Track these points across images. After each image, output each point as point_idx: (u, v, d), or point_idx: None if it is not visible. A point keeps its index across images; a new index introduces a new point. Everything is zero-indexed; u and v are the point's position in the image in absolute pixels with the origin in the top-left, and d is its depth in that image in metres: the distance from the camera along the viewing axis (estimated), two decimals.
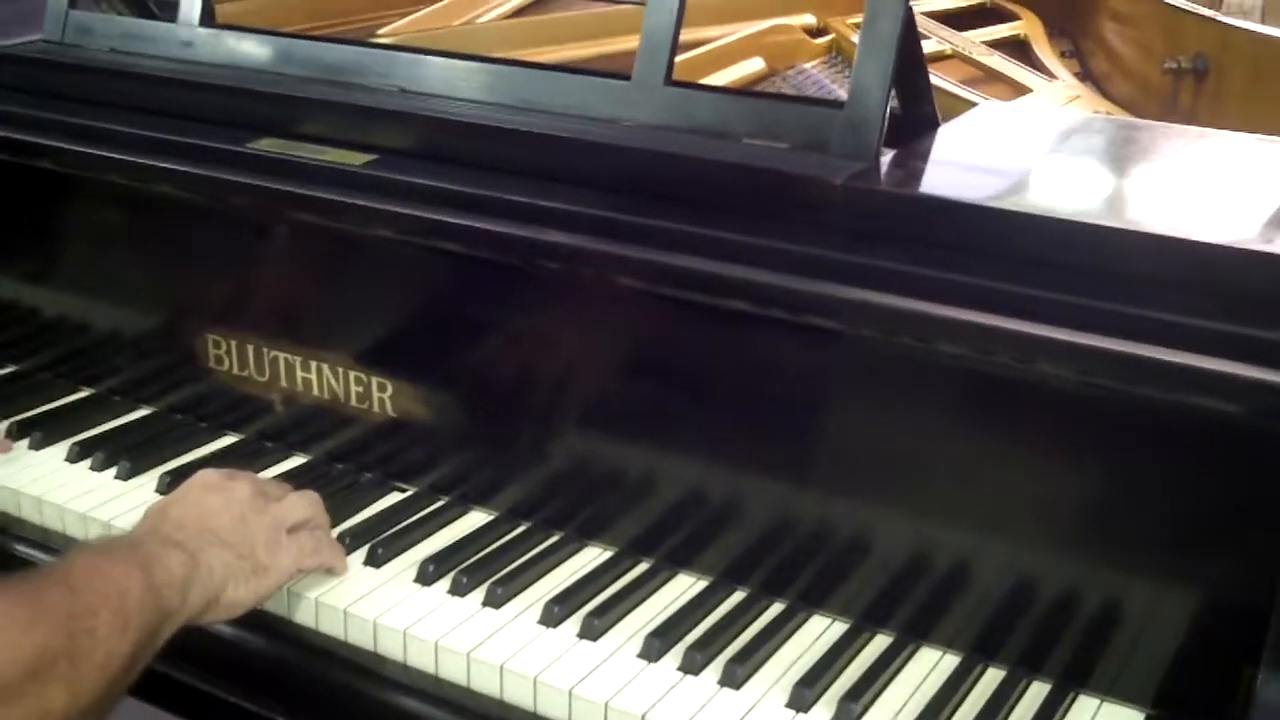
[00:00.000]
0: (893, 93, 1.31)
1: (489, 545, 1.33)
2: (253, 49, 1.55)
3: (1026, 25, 2.28)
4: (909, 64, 1.32)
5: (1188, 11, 1.87)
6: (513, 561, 1.31)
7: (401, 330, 1.40)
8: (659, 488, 1.29)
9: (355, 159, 1.38)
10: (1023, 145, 1.34)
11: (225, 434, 1.53)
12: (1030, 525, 1.14)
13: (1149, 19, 1.97)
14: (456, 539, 1.34)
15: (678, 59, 1.92)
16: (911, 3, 2.28)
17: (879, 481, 1.19)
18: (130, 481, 1.45)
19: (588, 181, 1.28)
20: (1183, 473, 1.07)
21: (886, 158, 1.27)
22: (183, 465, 1.47)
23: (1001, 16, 2.37)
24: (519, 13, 2.09)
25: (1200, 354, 1.02)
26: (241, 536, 1.19)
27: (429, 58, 1.47)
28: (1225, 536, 1.07)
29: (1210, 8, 6.16)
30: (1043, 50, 2.13)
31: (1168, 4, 1.93)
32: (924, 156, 1.30)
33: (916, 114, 1.36)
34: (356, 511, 1.39)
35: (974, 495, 1.15)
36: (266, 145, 1.43)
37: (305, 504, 1.27)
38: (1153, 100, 1.90)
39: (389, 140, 1.40)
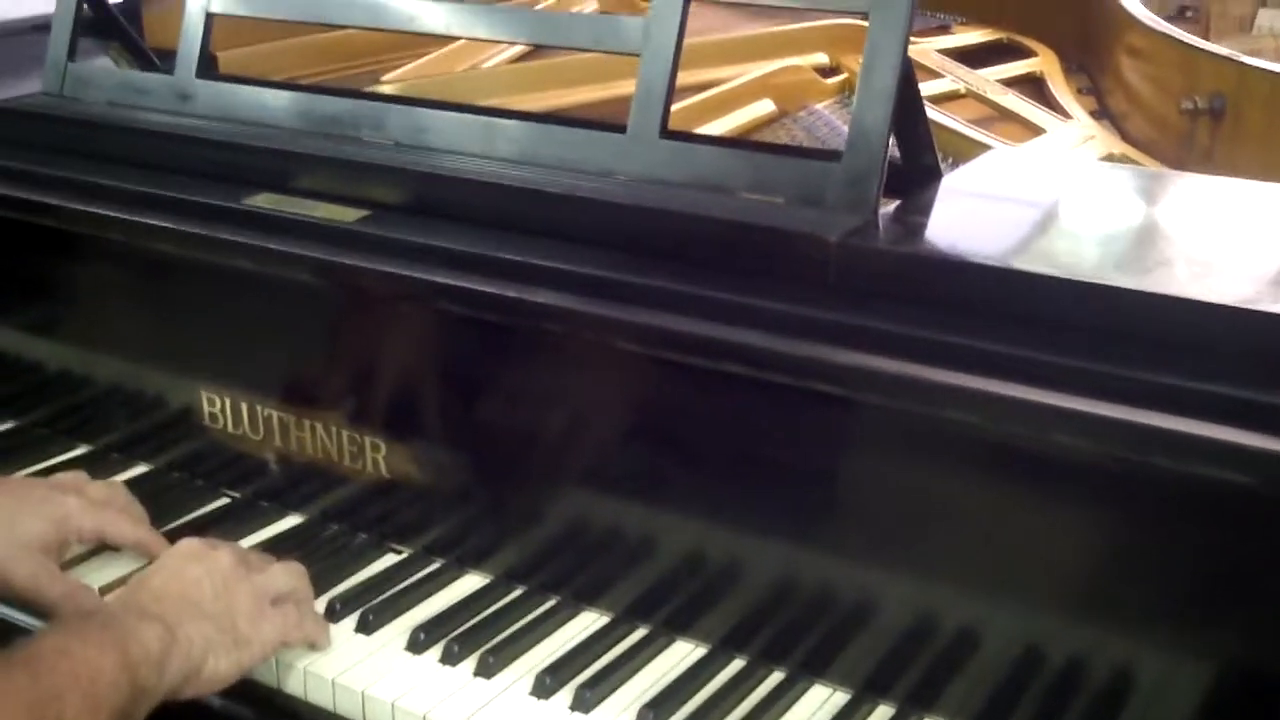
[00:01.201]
0: (894, 142, 1.29)
1: (482, 611, 1.31)
2: (250, 101, 1.53)
3: (1043, 62, 2.24)
4: (909, 114, 1.29)
5: (1203, 50, 1.83)
6: (506, 628, 1.28)
7: (394, 389, 1.37)
8: (654, 551, 1.27)
9: (348, 215, 1.36)
10: (1027, 197, 1.31)
11: (221, 493, 1.51)
12: (1031, 595, 1.10)
13: (1165, 55, 1.93)
14: (450, 604, 1.32)
15: (686, 102, 1.93)
16: (928, 41, 2.30)
17: (877, 547, 1.16)
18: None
19: (579, 238, 1.25)
20: (1190, 542, 1.03)
21: (888, 210, 1.24)
22: (181, 525, 1.45)
23: (1018, 53, 2.34)
24: (524, 57, 2.06)
25: (1211, 422, 0.98)
26: (223, 607, 1.16)
27: (425, 110, 1.44)
28: (1234, 607, 1.03)
29: (1240, 30, 6.10)
30: (1058, 88, 2.09)
31: (1183, 42, 1.89)
32: (925, 210, 1.27)
33: (918, 165, 1.33)
34: (350, 574, 1.37)
35: (973, 563, 1.12)
36: (262, 201, 1.41)
37: (289, 575, 1.25)
38: (1170, 140, 1.86)
39: (382, 196, 1.38)
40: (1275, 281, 1.09)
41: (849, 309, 1.13)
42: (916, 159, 1.33)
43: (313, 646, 1.24)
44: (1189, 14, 7.80)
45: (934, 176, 1.33)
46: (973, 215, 1.26)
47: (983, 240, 1.19)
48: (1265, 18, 7.19)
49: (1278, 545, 0.99)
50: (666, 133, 1.32)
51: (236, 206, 1.39)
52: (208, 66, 1.58)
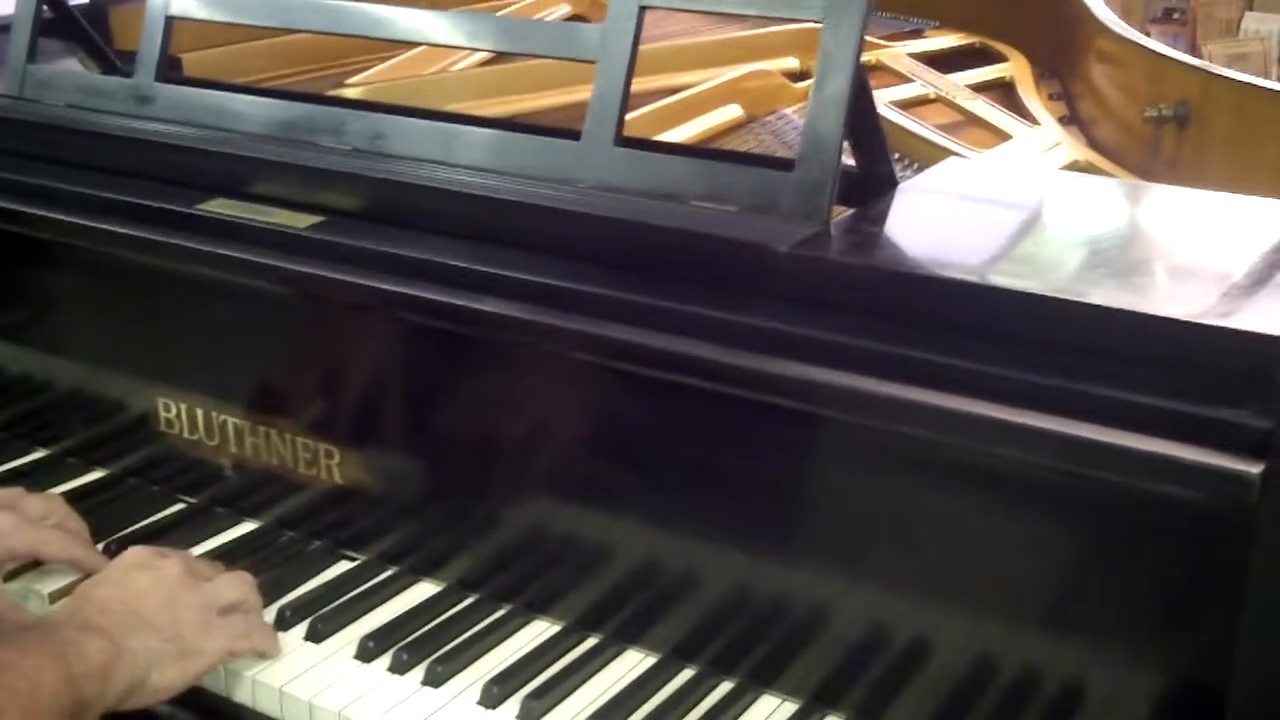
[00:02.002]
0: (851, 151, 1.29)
1: (433, 619, 1.30)
2: (209, 105, 1.52)
3: (1014, 67, 2.24)
4: (863, 122, 1.29)
5: (1169, 58, 1.83)
6: (456, 637, 1.27)
7: (347, 396, 1.37)
8: (606, 561, 1.26)
9: (301, 221, 1.35)
10: (981, 207, 1.30)
11: (177, 499, 1.50)
12: (981, 607, 1.10)
13: (1133, 61, 1.93)
14: (401, 612, 1.31)
15: (653, 107, 1.92)
16: (900, 45, 2.29)
17: (828, 558, 1.16)
18: None
19: (531, 246, 1.25)
20: (1138, 555, 1.03)
21: (842, 219, 1.23)
22: (137, 531, 1.45)
23: (990, 58, 2.34)
24: (492, 60, 2.06)
25: (1159, 438, 0.97)
26: (169, 619, 1.16)
27: (383, 116, 1.44)
28: (1179, 619, 1.03)
29: (1226, 33, 6.09)
30: (1028, 94, 2.09)
31: (1149, 49, 1.89)
32: (878, 220, 1.26)
33: (874, 173, 1.32)
34: (302, 582, 1.36)
35: (924, 575, 1.12)
36: (216, 206, 1.40)
37: (237, 585, 1.24)
38: (1137, 147, 1.86)
39: (337, 202, 1.37)
40: (1226, 294, 1.08)
41: (799, 319, 1.13)
42: (872, 167, 1.32)
43: (262, 656, 1.23)
44: (1175, 16, 7.82)
45: (890, 185, 1.32)
46: (926, 225, 1.26)
47: (934, 251, 1.19)
48: (1251, 20, 7.20)
49: (1223, 558, 0.98)
50: (621, 140, 1.31)
51: (190, 211, 1.39)
52: (168, 70, 1.57)
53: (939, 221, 1.26)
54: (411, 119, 1.42)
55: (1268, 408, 0.95)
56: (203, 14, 1.55)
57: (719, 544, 1.21)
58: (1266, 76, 6.38)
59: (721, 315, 1.14)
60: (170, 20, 1.56)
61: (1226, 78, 1.72)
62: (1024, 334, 1.05)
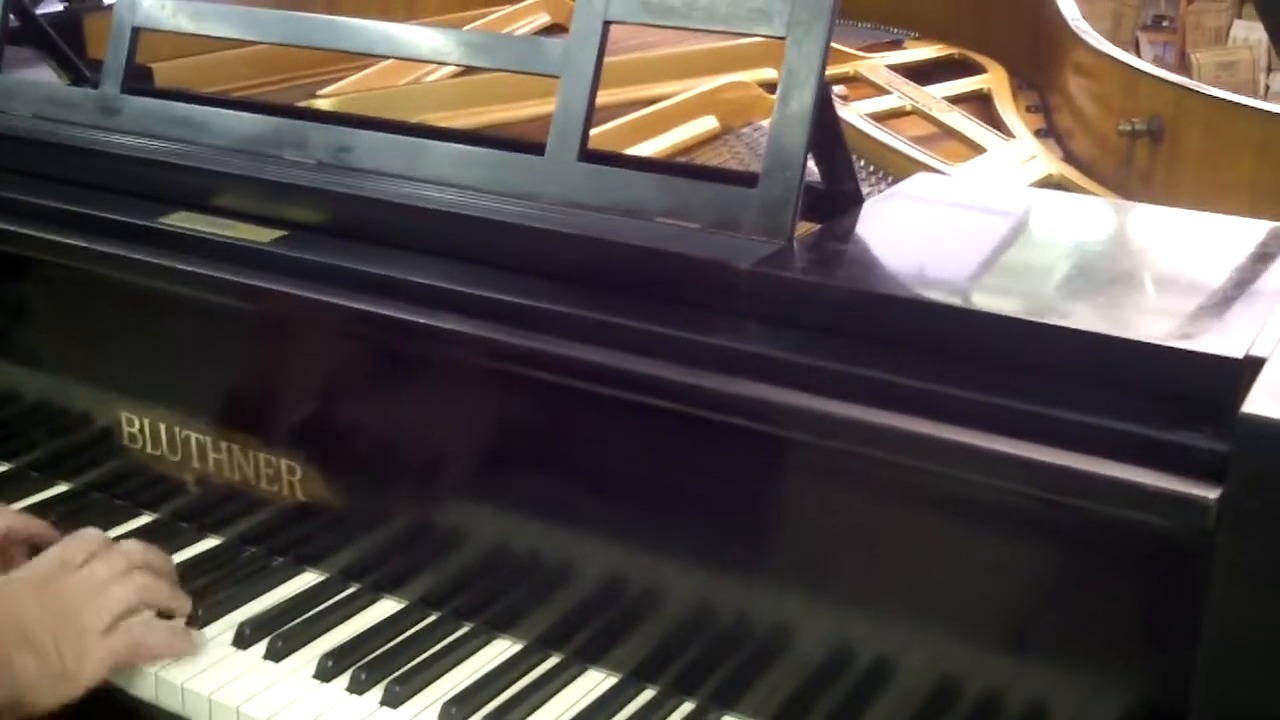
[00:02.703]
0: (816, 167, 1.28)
1: (393, 638, 1.29)
2: (174, 117, 1.51)
3: (992, 79, 2.24)
4: (828, 139, 1.28)
5: (1142, 71, 1.82)
6: (415, 656, 1.26)
7: (309, 413, 1.35)
8: (567, 579, 1.25)
9: (263, 236, 1.34)
10: (947, 225, 1.29)
11: (140, 512, 1.49)
12: (940, 628, 1.09)
13: (1108, 74, 1.92)
14: (361, 631, 1.30)
15: (629, 118, 1.91)
16: (879, 56, 2.29)
17: (787, 579, 1.15)
18: None
19: (492, 262, 1.24)
20: (1095, 577, 1.02)
21: (806, 236, 1.23)
22: None
23: (969, 69, 2.33)
24: (467, 70, 2.04)
25: (1116, 461, 0.97)
26: (50, 640, 1.16)
27: (348, 129, 1.43)
28: (1139, 643, 1.02)
29: (1215, 41, 6.09)
30: (1005, 106, 2.09)
31: (1123, 62, 1.88)
32: (843, 237, 1.25)
33: (840, 190, 1.32)
34: (262, 598, 1.35)
35: (883, 596, 1.11)
36: (178, 219, 1.39)
37: (131, 590, 1.23)
38: (1111, 160, 1.85)
39: (299, 216, 1.36)
40: (1187, 315, 1.08)
41: (759, 339, 1.12)
42: (838, 184, 1.32)
43: (177, 656, 1.23)
44: (1165, 24, 7.82)
45: (856, 201, 1.31)
46: (890, 243, 1.25)
47: (894, 270, 1.18)
48: (1240, 29, 7.22)
49: (1183, 582, 0.98)
50: (585, 155, 1.30)
51: (151, 225, 1.38)
52: (134, 80, 1.56)
53: (902, 239, 1.25)
54: (377, 132, 1.41)
55: (1225, 431, 0.94)
56: (168, 25, 1.54)
57: (680, 564, 1.20)
58: (1254, 83, 6.39)
59: (680, 334, 1.13)
60: (136, 31, 1.55)
61: (1198, 92, 1.72)
62: (982, 355, 1.05)
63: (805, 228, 1.27)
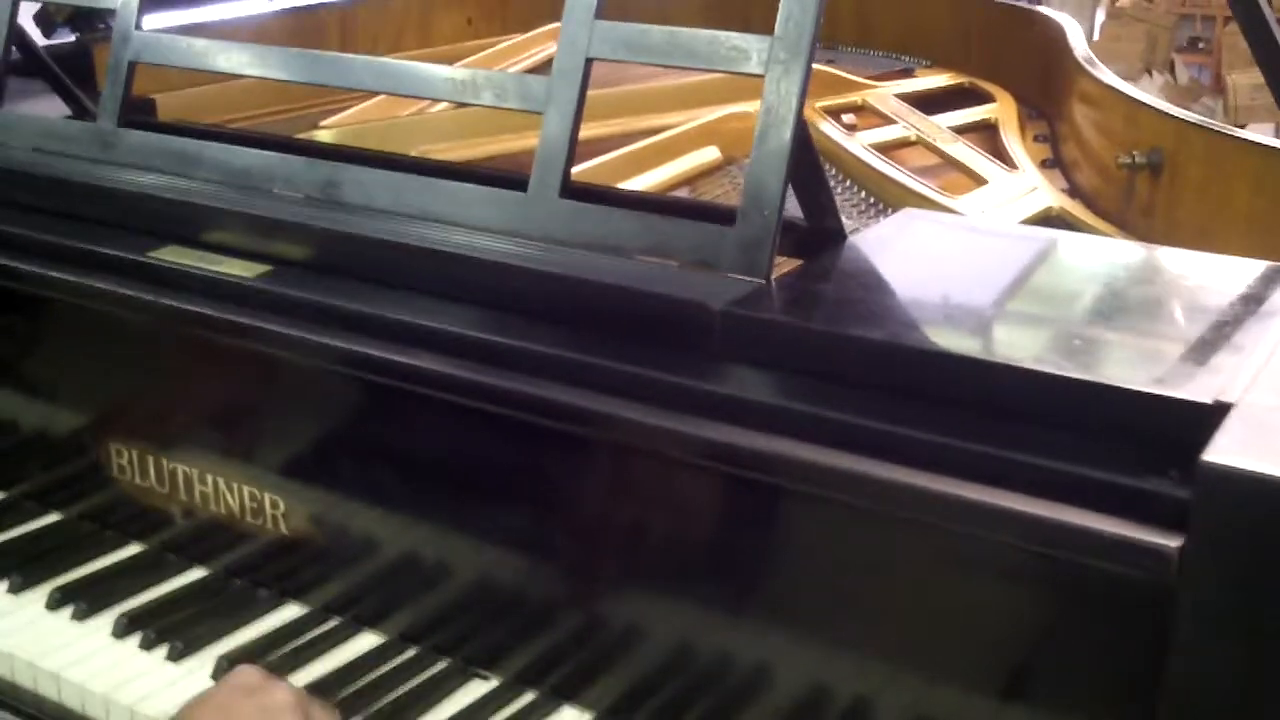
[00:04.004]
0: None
1: (370, 673, 1.29)
2: (169, 151, 1.53)
3: (1000, 108, 2.22)
4: (808, 177, 1.28)
5: (1143, 104, 1.81)
6: (392, 690, 1.26)
7: (291, 447, 1.36)
8: (543, 618, 1.25)
9: (250, 271, 1.35)
10: (926, 265, 1.29)
11: (129, 543, 1.50)
12: (900, 671, 1.08)
13: (1112, 104, 1.91)
14: (338, 666, 1.30)
15: (630, 148, 1.92)
16: (888, 85, 2.28)
17: (756, 619, 1.14)
18: (21, 596, 1.42)
19: (471, 299, 1.25)
20: (1059, 625, 1.02)
21: (785, 275, 1.23)
22: (91, 573, 1.45)
23: (979, 98, 2.32)
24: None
25: (1081, 507, 0.96)
26: None
27: (337, 164, 1.43)
28: (1103, 692, 1.01)
29: (1249, 64, 6.06)
30: (1010, 136, 2.08)
31: (1125, 94, 1.87)
32: (821, 276, 1.25)
33: (822, 227, 1.31)
34: (244, 630, 1.36)
35: (845, 637, 1.10)
36: (168, 254, 1.40)
37: None
38: (1113, 192, 1.84)
39: (285, 252, 1.37)
40: (1161, 358, 1.07)
41: (733, 380, 1.12)
42: (820, 221, 1.31)
43: None
44: (1200, 46, 7.78)
45: (839, 238, 1.31)
46: (867, 283, 1.24)
47: (868, 311, 1.17)
48: None
49: (1147, 629, 0.96)
50: (567, 191, 1.30)
51: (140, 259, 1.39)
52: (130, 113, 1.57)
53: (879, 279, 1.25)
54: (365, 167, 1.42)
55: (1190, 479, 0.92)
56: (164, 60, 1.56)
57: (655, 603, 1.19)
58: None
59: (650, 374, 1.13)
60: (133, 66, 1.56)
61: (1198, 125, 1.70)
62: (952, 398, 1.04)
63: (789, 264, 1.27)
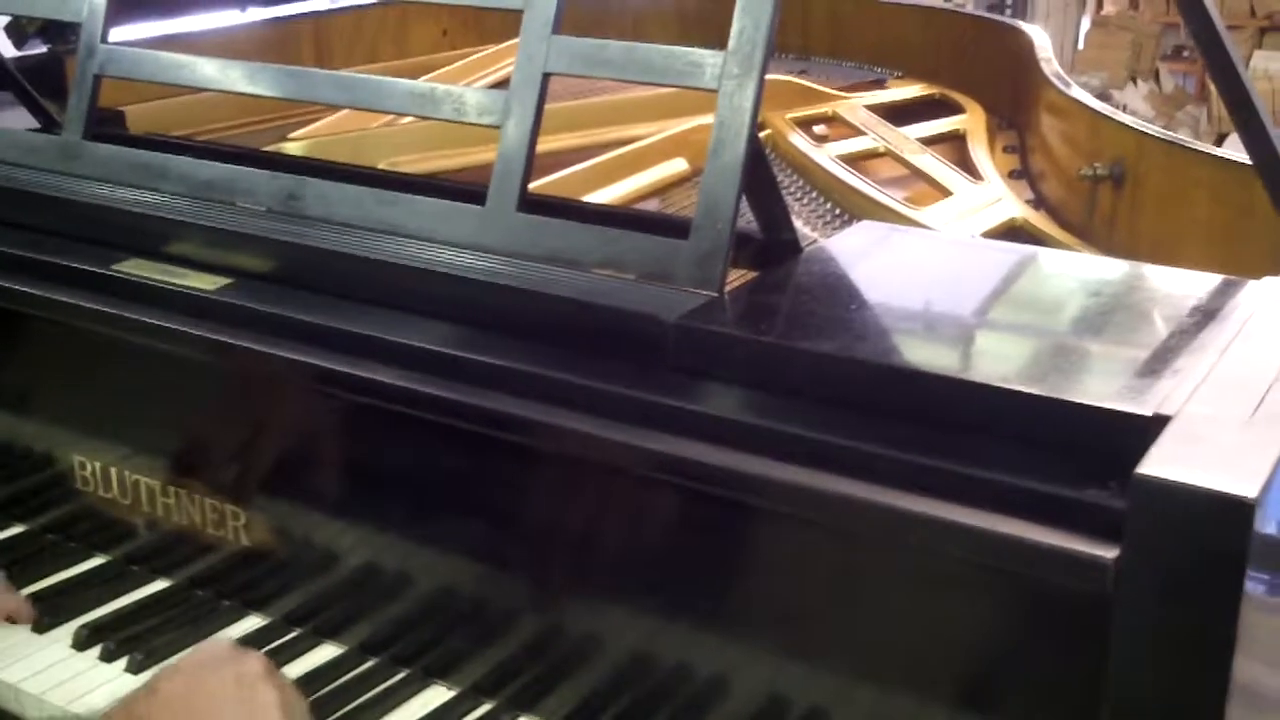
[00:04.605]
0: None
1: (330, 683, 1.30)
2: (133, 163, 1.53)
3: (969, 120, 2.24)
4: (762, 190, 1.29)
5: (1105, 116, 1.82)
6: (352, 700, 1.27)
7: (251, 459, 1.37)
8: (502, 626, 1.25)
9: (211, 283, 1.36)
10: (877, 278, 1.29)
11: (93, 555, 1.51)
12: (844, 682, 1.09)
13: (1077, 115, 1.93)
14: (298, 677, 1.30)
15: (599, 160, 1.93)
16: (858, 96, 2.29)
17: (706, 632, 1.15)
18: None
19: (428, 312, 1.26)
20: (1003, 636, 1.02)
21: (740, 288, 1.24)
22: (54, 584, 1.46)
23: (949, 108, 2.34)
24: None
25: (1019, 519, 0.97)
26: None
27: (299, 177, 1.44)
28: (1047, 703, 1.02)
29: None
30: (978, 147, 2.09)
31: (1089, 107, 1.88)
32: (776, 289, 1.26)
33: (778, 240, 1.32)
34: (205, 638, 1.35)
35: (791, 647, 1.11)
36: (130, 267, 1.41)
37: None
38: (1078, 203, 1.85)
39: (245, 264, 1.38)
40: (1108, 371, 1.08)
41: (684, 393, 1.12)
42: (775, 234, 1.32)
43: None
44: (1185, 54, 7.80)
45: (794, 251, 1.32)
46: (821, 296, 1.25)
47: (823, 324, 1.18)
48: (1260, 59, 7.19)
49: (1088, 639, 0.97)
50: (525, 205, 1.31)
51: (102, 272, 1.40)
52: (96, 126, 1.58)
53: (832, 291, 1.26)
54: (327, 180, 1.43)
55: (1124, 489, 0.93)
56: (128, 74, 1.57)
57: (610, 614, 1.20)
58: (1275, 114, 6.40)
59: (607, 388, 1.13)
60: (98, 79, 1.57)
61: (1158, 138, 1.72)
62: (895, 410, 1.05)
63: (745, 277, 1.28)
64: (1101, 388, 1.03)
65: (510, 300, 1.22)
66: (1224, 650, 0.90)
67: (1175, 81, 7.70)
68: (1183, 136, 1.71)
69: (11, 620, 1.37)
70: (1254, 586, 0.90)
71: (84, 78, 1.58)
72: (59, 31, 2.13)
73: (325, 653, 1.35)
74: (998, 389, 1.03)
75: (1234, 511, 0.87)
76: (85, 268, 1.41)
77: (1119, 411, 0.99)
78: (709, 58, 1.24)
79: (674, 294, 1.21)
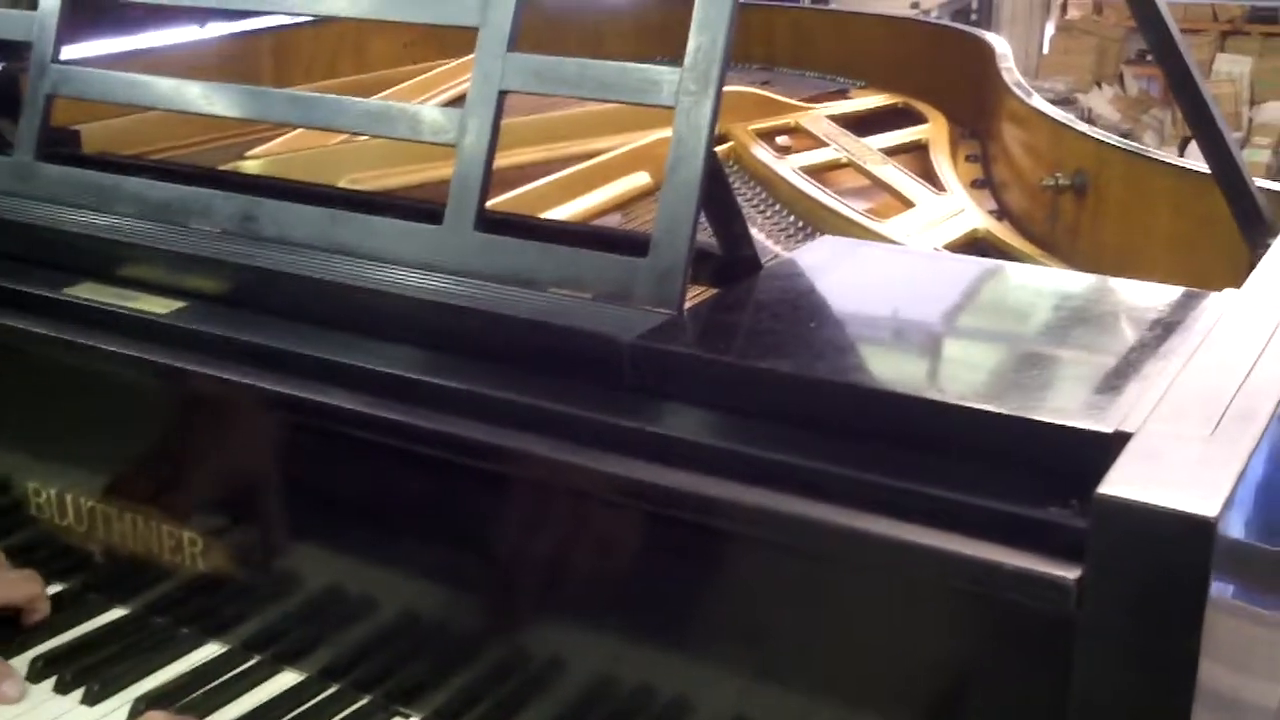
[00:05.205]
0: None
1: (291, 711, 1.28)
2: (86, 185, 1.52)
3: (932, 129, 2.24)
4: (720, 208, 1.28)
5: (1066, 126, 1.82)
6: None
7: (206, 485, 1.35)
8: (462, 652, 1.24)
9: (162, 307, 1.34)
10: (841, 292, 1.29)
11: (51, 583, 1.48)
12: (803, 704, 1.08)
13: (1038, 125, 1.92)
14: (257, 705, 1.29)
15: (562, 174, 1.91)
16: (822, 107, 2.29)
17: (665, 654, 1.13)
18: None
19: (383, 334, 1.24)
20: (967, 656, 1.02)
21: (699, 306, 1.23)
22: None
23: (912, 118, 2.34)
24: None
25: (980, 539, 0.96)
26: None
27: (254, 198, 1.42)
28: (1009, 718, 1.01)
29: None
30: (941, 157, 2.09)
31: (1050, 117, 1.88)
32: (736, 308, 1.25)
33: (738, 257, 1.31)
34: (163, 667, 1.34)
35: (755, 669, 1.10)
36: (82, 290, 1.39)
37: None
38: (1040, 212, 1.85)
39: (199, 286, 1.36)
40: (1069, 387, 1.07)
41: (641, 413, 1.11)
42: (735, 251, 1.31)
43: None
44: (1149, 58, 7.83)
45: (754, 269, 1.31)
46: (781, 313, 1.24)
47: (782, 342, 1.17)
48: (1223, 62, 7.24)
49: (1051, 660, 0.96)
50: (482, 224, 1.30)
51: (53, 296, 1.38)
52: (48, 146, 1.56)
53: (792, 308, 1.25)
54: (282, 200, 1.41)
55: (1085, 507, 0.93)
56: (80, 93, 1.55)
57: (570, 637, 1.19)
58: (1237, 116, 6.39)
59: (564, 409, 1.12)
60: (50, 99, 1.55)
61: (1118, 147, 1.72)
62: (854, 429, 1.04)
63: (705, 294, 1.27)
64: (1063, 404, 1.03)
65: (466, 321, 1.21)
66: (1187, 669, 0.89)
67: (1140, 85, 7.73)
68: (1145, 145, 1.71)
69: None
70: (1221, 589, 0.90)
71: (35, 97, 1.56)
72: (14, 49, 2.10)
73: (285, 680, 1.33)
74: (958, 406, 1.02)
75: (1196, 531, 0.86)
76: (36, 292, 1.38)
77: (1080, 429, 0.98)
78: (666, 74, 1.23)
79: (633, 313, 1.20)
